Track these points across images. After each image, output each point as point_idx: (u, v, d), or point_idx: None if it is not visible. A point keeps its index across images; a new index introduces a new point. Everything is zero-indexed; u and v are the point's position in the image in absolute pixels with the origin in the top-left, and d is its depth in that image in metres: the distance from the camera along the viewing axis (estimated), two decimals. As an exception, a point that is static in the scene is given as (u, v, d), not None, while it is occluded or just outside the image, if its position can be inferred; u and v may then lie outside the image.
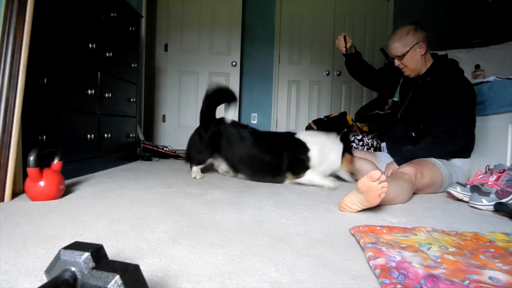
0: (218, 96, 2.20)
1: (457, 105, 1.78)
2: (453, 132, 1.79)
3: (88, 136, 2.02)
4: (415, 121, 1.98)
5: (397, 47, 1.93)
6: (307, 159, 1.94)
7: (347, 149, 1.99)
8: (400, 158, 1.87)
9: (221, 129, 2.09)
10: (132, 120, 2.76)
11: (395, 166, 1.83)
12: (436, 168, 1.76)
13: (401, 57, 1.93)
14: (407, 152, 1.86)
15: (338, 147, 1.97)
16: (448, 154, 1.86)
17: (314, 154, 1.94)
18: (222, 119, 2.14)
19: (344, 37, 2.18)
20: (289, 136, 2.07)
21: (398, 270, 0.73)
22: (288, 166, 1.95)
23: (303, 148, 1.96)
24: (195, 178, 2.03)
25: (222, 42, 4.12)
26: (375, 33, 4.35)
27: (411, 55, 1.91)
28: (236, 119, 4.01)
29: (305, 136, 2.03)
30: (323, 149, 1.95)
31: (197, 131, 2.17)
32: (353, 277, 0.74)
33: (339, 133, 2.05)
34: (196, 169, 2.11)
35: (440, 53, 2.04)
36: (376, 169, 1.37)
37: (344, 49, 2.19)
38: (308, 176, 1.93)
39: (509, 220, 1.30)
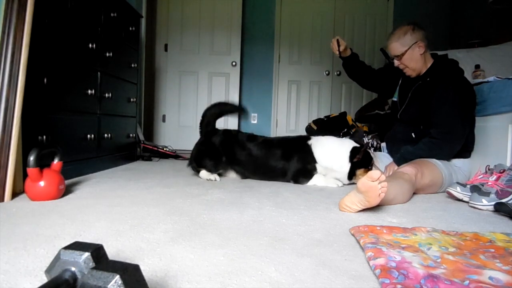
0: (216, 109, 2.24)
1: (457, 106, 1.78)
2: (452, 133, 1.79)
3: (88, 136, 2.01)
4: (415, 122, 1.98)
5: (395, 47, 1.92)
6: None
7: None
8: (399, 158, 1.87)
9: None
10: (132, 120, 2.76)
11: (395, 167, 1.83)
12: (436, 168, 1.75)
13: (399, 56, 1.92)
14: (407, 153, 1.85)
15: None
16: (446, 156, 1.85)
17: None
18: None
19: (337, 40, 2.18)
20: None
21: (398, 270, 0.73)
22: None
23: None
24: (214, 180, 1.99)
25: (222, 42, 4.11)
26: (375, 33, 4.34)
27: (409, 54, 1.90)
28: (235, 119, 4.08)
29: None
30: None
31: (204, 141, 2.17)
32: (353, 277, 0.74)
33: (339, 133, 2.08)
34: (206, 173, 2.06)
35: (440, 53, 2.04)
36: (376, 169, 1.37)
37: (337, 52, 2.20)
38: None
39: (509, 220, 1.30)
